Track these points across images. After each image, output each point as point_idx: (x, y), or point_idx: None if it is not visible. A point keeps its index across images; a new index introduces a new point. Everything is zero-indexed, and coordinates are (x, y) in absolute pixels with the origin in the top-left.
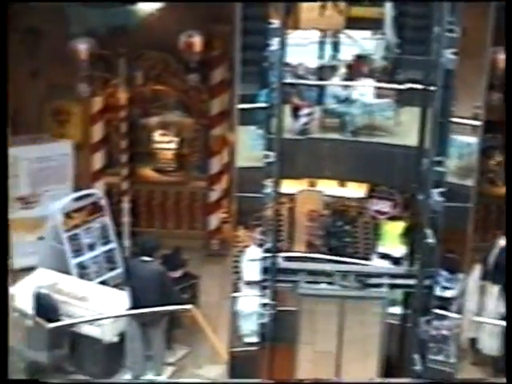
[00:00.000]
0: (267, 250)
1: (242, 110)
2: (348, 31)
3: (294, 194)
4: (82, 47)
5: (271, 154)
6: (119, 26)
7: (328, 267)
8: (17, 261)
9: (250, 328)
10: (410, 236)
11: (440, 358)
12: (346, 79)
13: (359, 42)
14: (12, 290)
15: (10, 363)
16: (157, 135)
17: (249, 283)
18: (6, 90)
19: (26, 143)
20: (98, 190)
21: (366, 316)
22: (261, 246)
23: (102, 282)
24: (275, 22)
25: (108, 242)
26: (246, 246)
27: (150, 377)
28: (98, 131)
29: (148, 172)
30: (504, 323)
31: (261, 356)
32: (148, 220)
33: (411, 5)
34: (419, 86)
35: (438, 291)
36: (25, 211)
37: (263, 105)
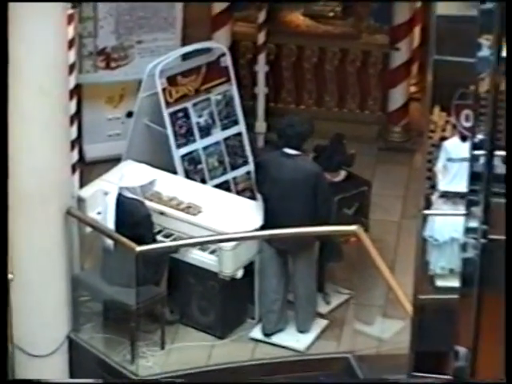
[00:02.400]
0: (477, 146)
1: None
2: None
3: None
4: None
5: None
6: None
7: None
8: (90, 148)
9: (446, 265)
10: None
11: None
12: None
13: None
14: (83, 191)
15: (81, 305)
16: None
17: (447, 196)
18: (6, 90)
19: None
20: (219, 44)
21: None
22: (467, 138)
23: (221, 185)
24: None
25: (232, 123)
26: (445, 138)
27: (288, 334)
28: None
29: (297, 17)
30: None
31: (462, 308)
32: (294, 92)
33: None
34: None
35: None
36: (106, 73)
37: None
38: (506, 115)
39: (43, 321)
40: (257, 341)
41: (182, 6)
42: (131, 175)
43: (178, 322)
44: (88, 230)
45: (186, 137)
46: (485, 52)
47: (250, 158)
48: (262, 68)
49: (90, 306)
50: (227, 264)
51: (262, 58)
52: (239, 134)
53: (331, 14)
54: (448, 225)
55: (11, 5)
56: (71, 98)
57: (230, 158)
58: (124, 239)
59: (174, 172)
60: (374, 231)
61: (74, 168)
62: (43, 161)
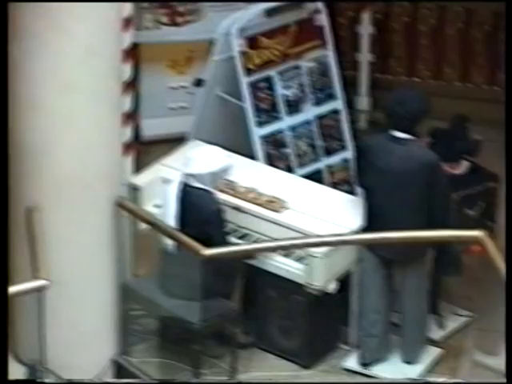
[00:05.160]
0: None
1: None
2: None
3: None
4: None
5: None
6: None
7: None
8: (148, 124)
9: None
10: None
11: None
12: None
13: None
14: (138, 178)
15: (131, 321)
16: None
17: None
18: (6, 90)
19: None
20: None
21: None
22: None
23: (311, 175)
24: None
25: (327, 97)
26: None
27: (391, 364)
28: None
29: None
30: None
31: None
32: (406, 61)
33: None
34: None
35: None
36: (170, 30)
37: None
38: (506, 114)
39: (83, 339)
40: (352, 372)
41: None
42: (199, 159)
43: (254, 346)
44: (143, 226)
45: (268, 113)
46: None
47: (349, 142)
48: (366, 29)
49: (142, 322)
50: (317, 274)
51: (366, 16)
52: (336, 112)
53: None
54: None
55: None
56: (125, 60)
57: (324, 141)
58: (188, 240)
59: (253, 157)
60: (503, 238)
61: (127, 148)
62: (88, 138)
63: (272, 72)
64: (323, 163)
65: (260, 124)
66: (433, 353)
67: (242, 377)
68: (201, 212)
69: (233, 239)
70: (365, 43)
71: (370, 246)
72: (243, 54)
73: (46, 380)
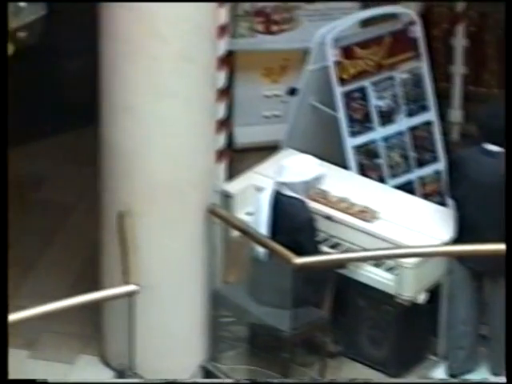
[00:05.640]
0: None
1: None
2: None
3: None
4: None
5: None
6: None
7: None
8: (242, 132)
9: None
10: None
11: None
12: None
13: None
14: (230, 186)
15: (221, 327)
16: None
17: None
18: (6, 89)
19: None
20: (408, 9)
21: None
22: None
23: (403, 186)
24: None
25: (420, 109)
26: None
27: (479, 376)
28: None
29: None
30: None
31: None
32: (498, 73)
33: None
34: None
35: None
36: (265, 38)
37: None
38: (506, 113)
39: (172, 344)
40: None
41: None
42: (292, 168)
43: (342, 355)
44: (235, 233)
45: (362, 123)
46: None
47: (442, 154)
48: (460, 42)
49: (232, 329)
50: (407, 285)
51: (460, 29)
52: (429, 123)
53: None
54: None
55: None
56: (220, 67)
57: (417, 152)
58: (279, 248)
59: (346, 166)
60: None
61: (220, 155)
62: (182, 144)
63: (366, 82)
64: (415, 174)
65: (353, 134)
66: None
67: None
68: (293, 220)
69: (324, 248)
70: (458, 55)
71: (460, 257)
72: (337, 63)
73: (48, 380)
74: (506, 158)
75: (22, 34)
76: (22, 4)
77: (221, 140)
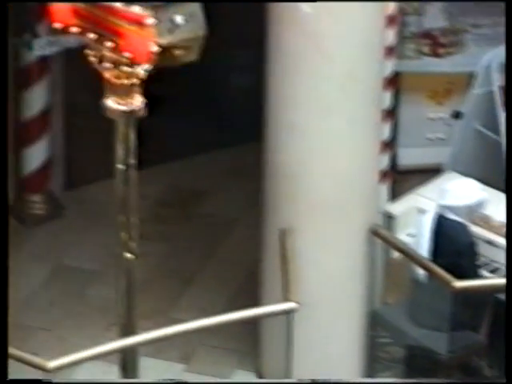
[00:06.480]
0: None
1: None
2: None
3: None
4: None
5: None
6: None
7: None
8: (405, 153)
9: None
10: None
11: None
12: None
13: None
14: (393, 207)
15: (378, 348)
16: None
17: None
18: (6, 90)
19: None
20: None
21: None
22: None
23: None
24: None
25: None
26: None
27: None
28: None
29: None
30: None
31: None
32: None
33: None
34: None
35: None
36: (432, 61)
37: None
38: (506, 114)
39: (329, 362)
40: None
41: None
42: (455, 191)
43: (497, 380)
44: (395, 255)
45: None
46: None
47: None
48: None
49: (389, 350)
50: None
51: None
52: None
53: None
54: None
55: None
56: (386, 88)
57: None
58: (440, 270)
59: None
60: None
61: (383, 176)
62: (346, 164)
63: None
64: None
65: None
66: None
67: None
68: (454, 244)
69: (484, 272)
70: None
71: None
72: (503, 88)
73: (49, 380)
74: (507, 157)
75: (178, 52)
76: (178, 21)
77: (384, 161)
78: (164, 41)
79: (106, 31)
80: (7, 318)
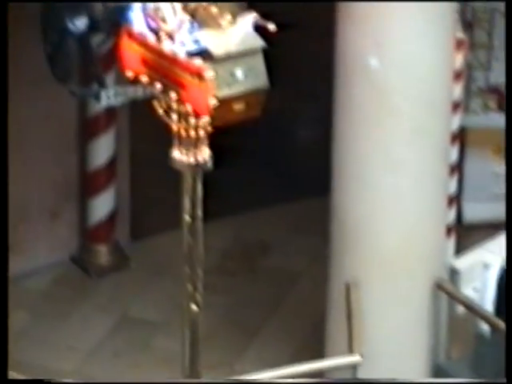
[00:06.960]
0: None
1: None
2: None
3: None
4: None
5: None
6: None
7: None
8: (471, 208)
9: None
10: None
11: None
12: None
13: None
14: (458, 261)
15: None
16: None
17: None
18: (6, 90)
19: None
20: None
21: None
22: None
23: None
24: None
25: None
26: None
27: None
28: None
29: None
30: None
31: None
32: None
33: None
34: None
35: None
36: (498, 116)
37: None
38: (506, 115)
39: None
40: None
41: None
42: None
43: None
44: (460, 309)
45: None
46: None
47: None
48: None
49: None
50: None
51: None
52: None
53: None
54: None
55: None
56: (453, 143)
57: None
58: (503, 325)
59: None
60: None
61: (449, 230)
62: (413, 219)
63: None
64: None
65: None
66: None
67: None
68: None
69: None
70: None
71: None
72: None
73: (48, 379)
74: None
75: (238, 106)
76: (238, 75)
77: (451, 215)
78: (221, 94)
79: (171, 82)
80: (7, 317)
